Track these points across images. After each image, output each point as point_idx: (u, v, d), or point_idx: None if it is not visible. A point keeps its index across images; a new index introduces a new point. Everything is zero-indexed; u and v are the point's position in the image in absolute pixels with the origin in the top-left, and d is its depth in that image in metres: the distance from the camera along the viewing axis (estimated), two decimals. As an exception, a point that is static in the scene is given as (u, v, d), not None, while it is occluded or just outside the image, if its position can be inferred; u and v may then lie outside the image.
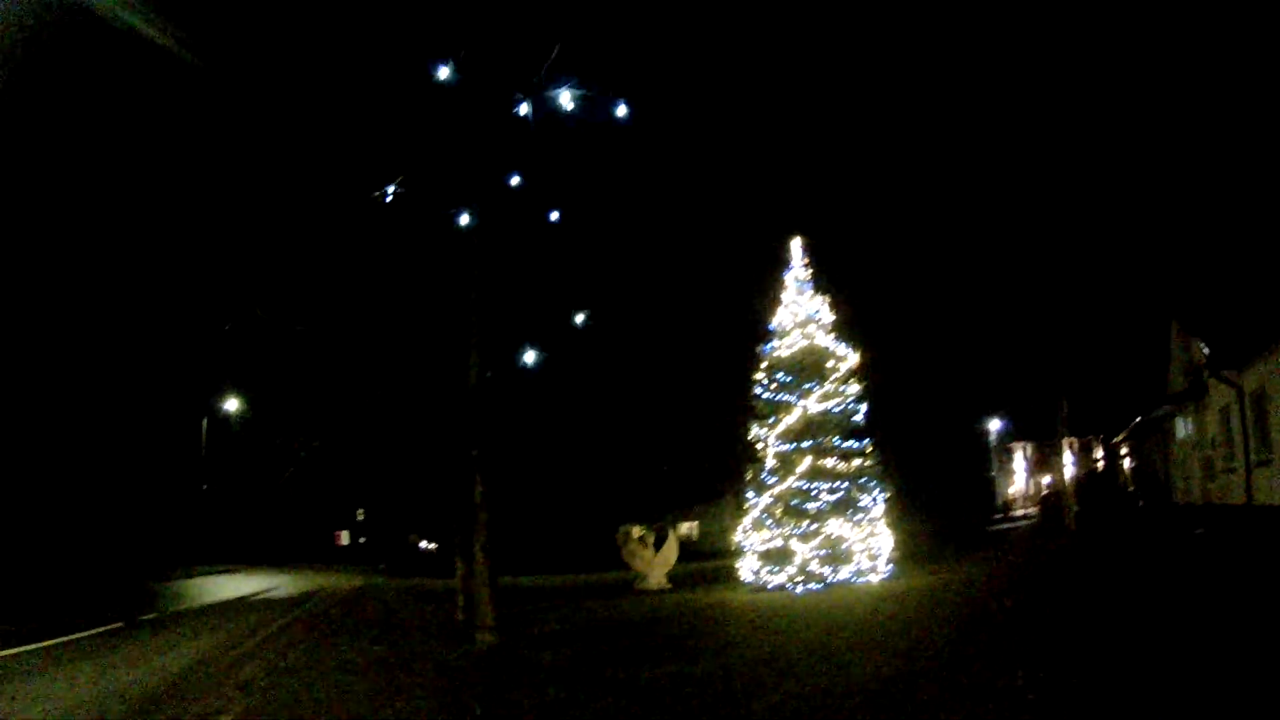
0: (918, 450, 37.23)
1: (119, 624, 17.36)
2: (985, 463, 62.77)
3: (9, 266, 29.62)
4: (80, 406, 45.12)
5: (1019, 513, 61.20)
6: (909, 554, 24.23)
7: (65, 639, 14.75)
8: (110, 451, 49.23)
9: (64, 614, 18.77)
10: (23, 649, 13.37)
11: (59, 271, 33.98)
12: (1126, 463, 59.66)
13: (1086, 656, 8.87)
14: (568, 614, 19.28)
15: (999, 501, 65.44)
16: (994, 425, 60.25)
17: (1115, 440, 62.57)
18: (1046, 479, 69.52)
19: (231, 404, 40.21)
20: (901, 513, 24.56)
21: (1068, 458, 49.67)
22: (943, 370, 45.80)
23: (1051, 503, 37.20)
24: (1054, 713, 7.00)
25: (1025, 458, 76.59)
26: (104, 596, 24.02)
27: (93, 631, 16.07)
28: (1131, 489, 46.89)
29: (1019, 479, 75.83)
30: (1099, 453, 67.05)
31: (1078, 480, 41.54)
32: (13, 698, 9.79)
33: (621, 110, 13.87)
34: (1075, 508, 33.08)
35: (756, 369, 21.93)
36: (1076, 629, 10.42)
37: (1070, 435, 44.63)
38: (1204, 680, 7.42)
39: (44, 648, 13.77)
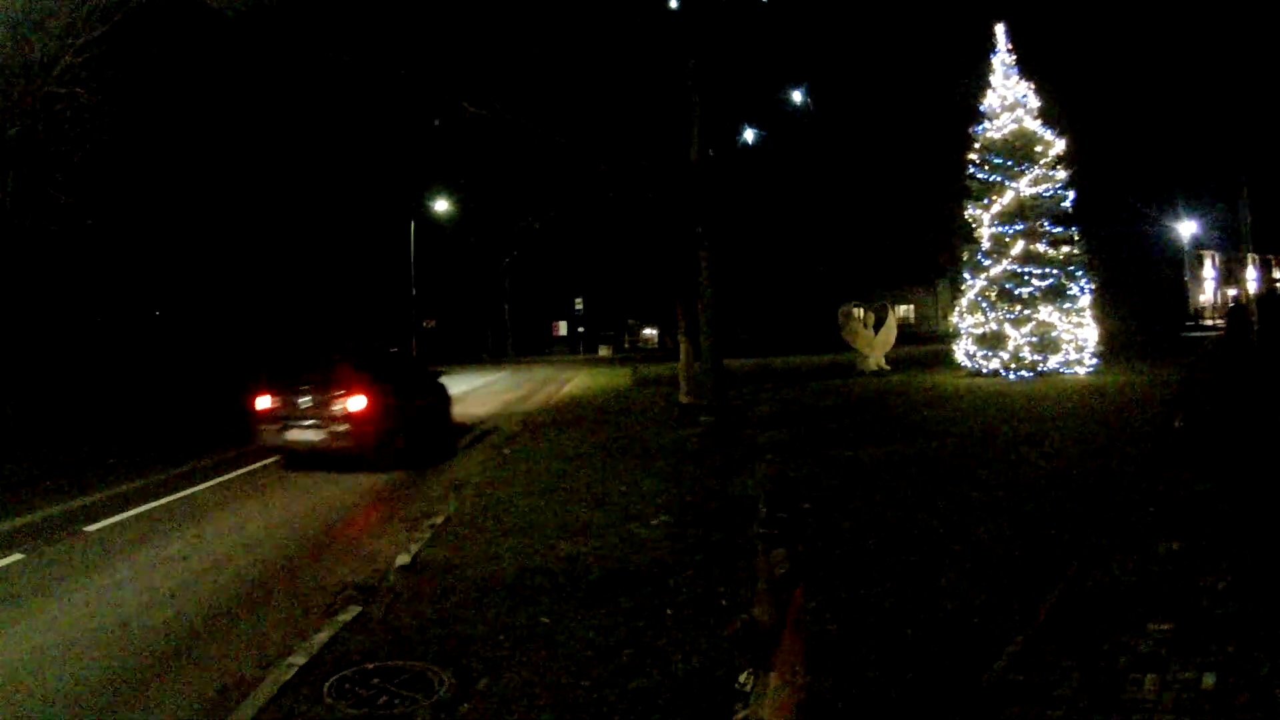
0: (1118, 247, 35.32)
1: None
2: (1179, 268, 59.08)
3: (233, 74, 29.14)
4: (282, 219, 43.82)
5: (1208, 322, 57.85)
6: (1110, 350, 23.71)
7: (257, 465, 13.21)
8: (314, 262, 46.96)
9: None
10: (210, 483, 11.94)
11: (277, 84, 32.73)
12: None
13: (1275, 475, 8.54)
14: (789, 395, 19.77)
15: (1190, 309, 61.94)
16: (1187, 230, 55.95)
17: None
18: (1233, 291, 65.00)
19: (441, 204, 39.12)
20: (1103, 309, 23.90)
21: (1251, 273, 46.02)
22: (1141, 169, 42.61)
23: (1238, 317, 35.04)
24: (1242, 523, 6.91)
25: (1215, 267, 71.67)
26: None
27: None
28: None
29: (1208, 289, 71.43)
30: (1277, 273, 62.20)
31: (1258, 298, 38.84)
32: (198, 536, 8.97)
33: None
34: (1258, 325, 31.48)
35: (970, 150, 21.48)
36: (1267, 447, 9.98)
37: (1254, 251, 41.34)
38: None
39: (238, 476, 12.45)
